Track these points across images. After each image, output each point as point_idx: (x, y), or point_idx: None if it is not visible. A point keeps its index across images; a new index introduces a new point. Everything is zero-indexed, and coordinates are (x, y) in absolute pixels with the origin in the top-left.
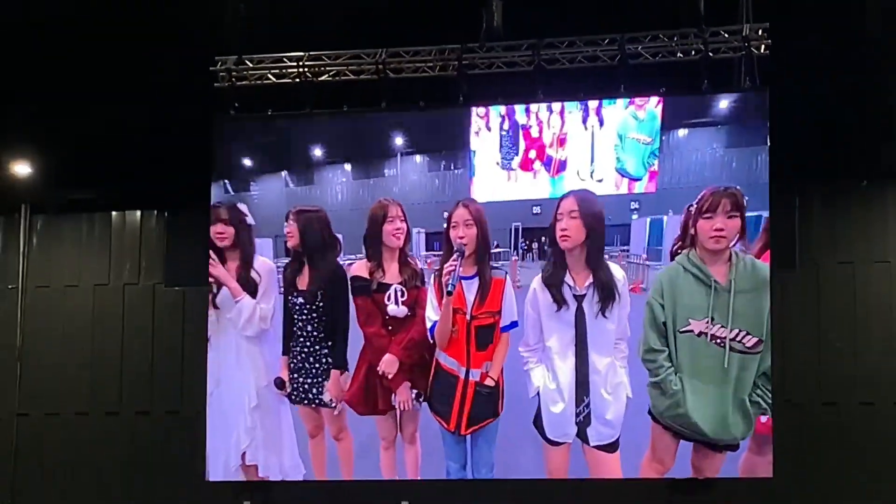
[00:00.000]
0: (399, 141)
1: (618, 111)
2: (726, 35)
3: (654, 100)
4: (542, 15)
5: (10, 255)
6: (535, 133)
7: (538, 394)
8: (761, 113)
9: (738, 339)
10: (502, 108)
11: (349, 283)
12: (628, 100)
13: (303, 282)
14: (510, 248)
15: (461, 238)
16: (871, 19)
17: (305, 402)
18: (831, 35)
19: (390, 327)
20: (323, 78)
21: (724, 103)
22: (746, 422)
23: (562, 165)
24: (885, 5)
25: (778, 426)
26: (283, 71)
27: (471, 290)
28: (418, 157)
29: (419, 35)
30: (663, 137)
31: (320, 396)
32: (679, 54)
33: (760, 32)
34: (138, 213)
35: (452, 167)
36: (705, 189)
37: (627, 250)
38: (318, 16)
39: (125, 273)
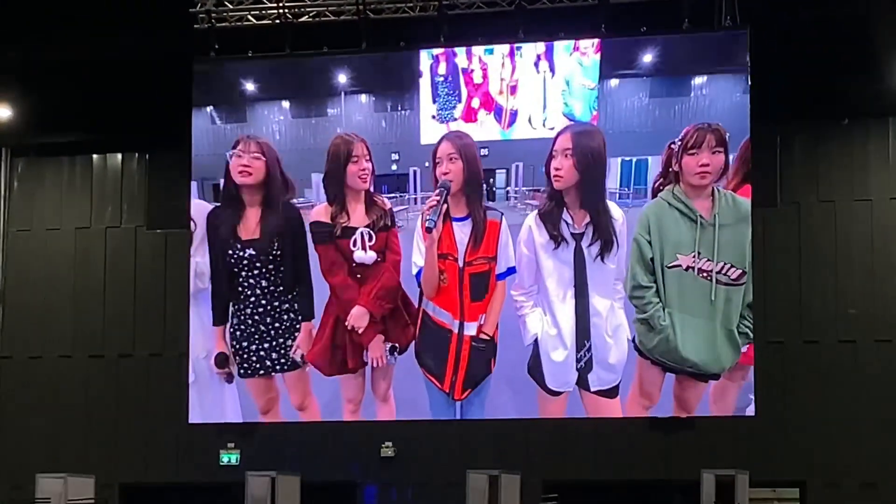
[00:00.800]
0: (343, 79)
1: (565, 57)
2: None
3: (595, 46)
4: None
5: None
6: (478, 79)
7: (535, 341)
8: (684, 65)
9: (723, 271)
10: (435, 51)
11: (307, 229)
12: (572, 46)
13: (247, 230)
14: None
15: (445, 174)
16: None
17: (261, 371)
18: None
19: (358, 275)
20: (303, 19)
21: (647, 57)
22: (735, 351)
23: (513, 116)
24: None
25: (759, 364)
26: (263, 12)
27: (463, 233)
28: (364, 97)
29: None
30: (600, 85)
31: (284, 359)
32: None
33: None
34: (119, 155)
35: (400, 108)
36: (688, 126)
37: None
38: None
39: (107, 216)
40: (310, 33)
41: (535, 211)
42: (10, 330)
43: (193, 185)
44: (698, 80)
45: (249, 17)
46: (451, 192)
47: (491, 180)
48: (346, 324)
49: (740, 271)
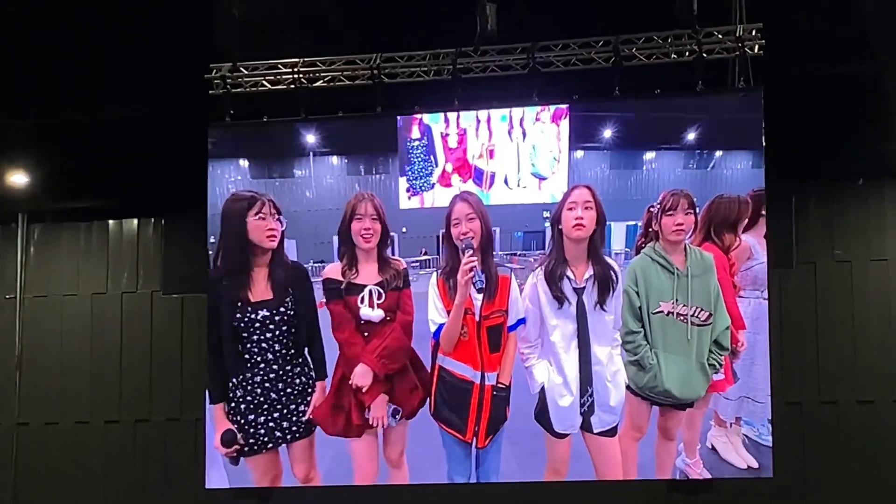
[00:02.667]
0: (312, 139)
1: (530, 124)
2: (720, 35)
3: (551, 115)
4: (535, 18)
5: (7, 264)
6: (453, 143)
7: (542, 389)
8: (639, 139)
9: (695, 314)
10: (409, 116)
11: (322, 286)
12: (534, 116)
13: (257, 292)
14: (437, 254)
15: (465, 234)
16: (866, 18)
17: (270, 445)
18: (825, 33)
19: (365, 333)
20: (318, 84)
21: (607, 132)
22: (705, 381)
23: (493, 178)
24: (880, 4)
25: (778, 425)
26: (278, 77)
27: (478, 288)
28: (335, 159)
29: (414, 40)
30: (569, 155)
31: (295, 426)
32: (673, 55)
33: (754, 32)
34: (135, 220)
35: (375, 172)
36: (664, 192)
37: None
38: (313, 21)
39: (123, 281)
40: (324, 98)
41: (541, 268)
42: (26, 396)
43: None
44: (649, 156)
45: (265, 82)
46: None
47: (492, 239)
48: (350, 382)
49: (708, 313)
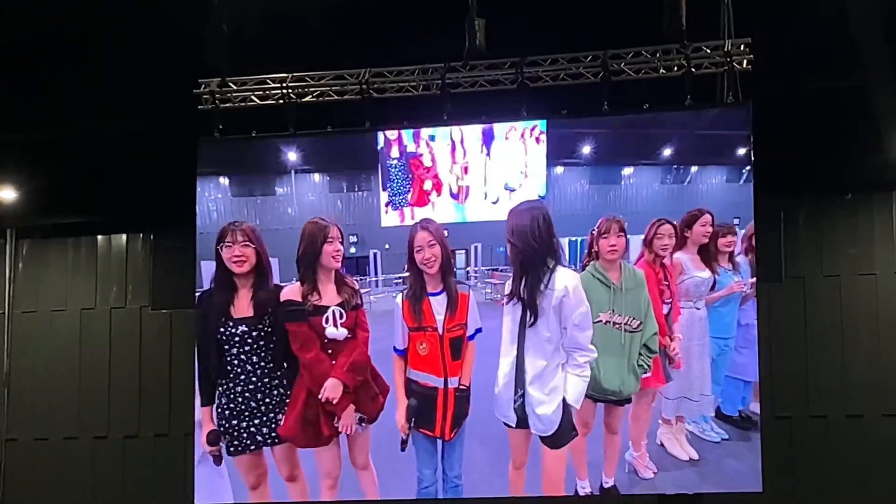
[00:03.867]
0: (293, 157)
1: (501, 141)
2: (708, 50)
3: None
4: (524, 33)
5: None
6: (427, 162)
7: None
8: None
9: (627, 322)
10: (390, 134)
11: (281, 308)
12: (504, 134)
13: (240, 309)
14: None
15: (428, 259)
16: (854, 32)
17: (252, 447)
18: (814, 48)
19: (329, 351)
20: (306, 99)
21: (586, 149)
22: (636, 380)
23: (467, 190)
24: (867, 21)
25: (767, 439)
26: (267, 92)
27: (440, 305)
28: (316, 177)
29: (402, 55)
30: (547, 170)
31: (274, 433)
32: (662, 70)
33: (742, 48)
34: (124, 236)
35: (357, 189)
36: (601, 218)
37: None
38: (301, 36)
39: (111, 297)
40: (313, 113)
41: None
42: (15, 412)
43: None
44: (627, 171)
45: (253, 97)
46: (433, 272)
47: (451, 260)
48: (321, 396)
49: (639, 321)
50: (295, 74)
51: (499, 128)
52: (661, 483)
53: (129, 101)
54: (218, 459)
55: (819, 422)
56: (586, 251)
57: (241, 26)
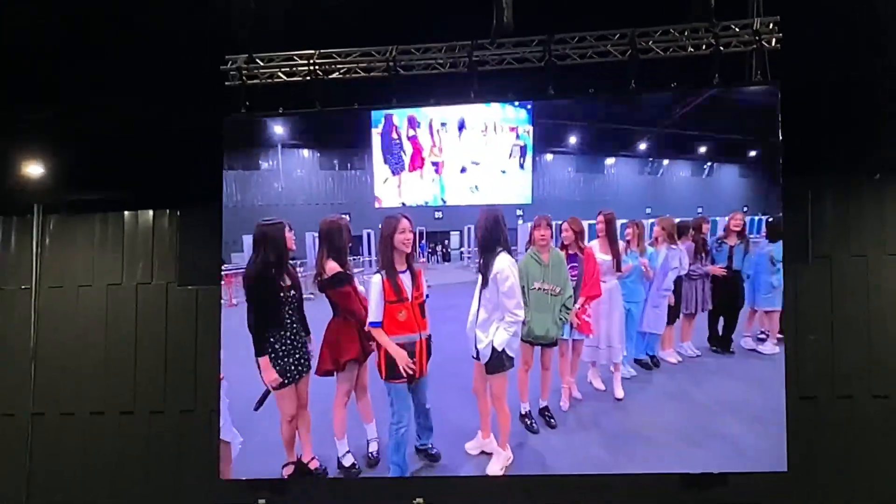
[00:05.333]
0: (279, 131)
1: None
2: (737, 29)
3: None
4: (552, 11)
5: (23, 255)
6: (421, 140)
7: None
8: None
9: (552, 290)
10: (386, 112)
11: (333, 278)
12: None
13: (287, 280)
14: (413, 251)
15: (408, 240)
16: (882, 12)
17: (304, 373)
18: (842, 28)
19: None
20: (333, 76)
21: (573, 139)
22: (558, 329)
23: (441, 165)
24: None
25: (792, 419)
26: (294, 69)
27: (408, 280)
28: (306, 152)
29: (430, 32)
30: (536, 158)
31: (303, 365)
32: (690, 49)
33: (771, 26)
34: (150, 212)
35: (350, 167)
36: (538, 217)
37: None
38: (329, 14)
39: (138, 272)
40: (340, 89)
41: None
42: (42, 387)
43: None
44: (609, 161)
45: (280, 73)
46: (409, 251)
47: (446, 241)
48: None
49: (560, 288)
50: (322, 51)
51: (472, 120)
52: (586, 408)
53: (157, 79)
54: (263, 399)
55: (845, 402)
56: (528, 239)
57: (269, 3)
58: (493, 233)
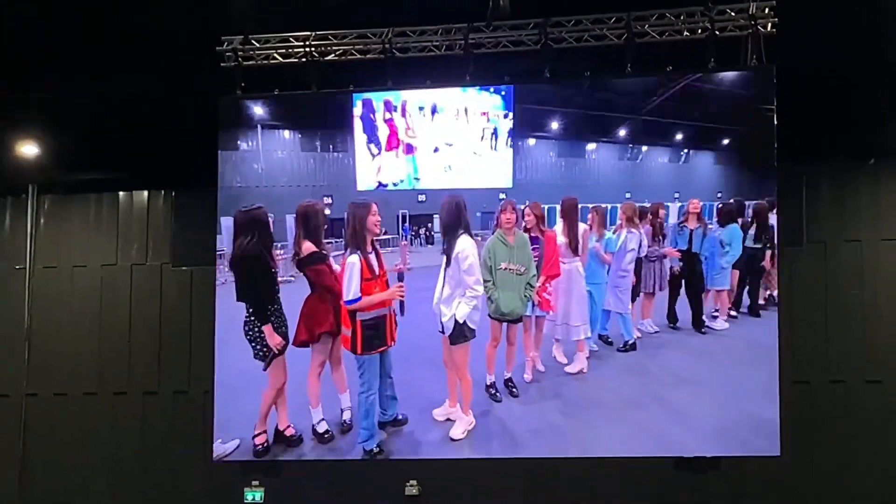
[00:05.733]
0: (259, 111)
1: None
2: (733, 13)
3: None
4: None
5: (17, 235)
6: (396, 123)
7: None
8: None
9: (517, 269)
10: (366, 95)
11: (310, 256)
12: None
13: (272, 261)
14: (398, 233)
15: (378, 224)
16: None
17: (285, 347)
18: (839, 14)
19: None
20: (329, 58)
21: (554, 124)
22: (523, 306)
23: (415, 147)
24: None
25: (785, 403)
26: (290, 51)
27: (375, 259)
28: (287, 133)
29: (426, 14)
30: (519, 143)
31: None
32: (686, 33)
33: (767, 11)
34: (145, 193)
35: (332, 150)
36: (504, 201)
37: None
38: None
39: (133, 253)
40: (336, 71)
41: None
42: (36, 367)
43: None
44: (591, 146)
45: (276, 55)
46: (379, 234)
47: (429, 224)
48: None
49: (524, 268)
50: (318, 33)
51: (445, 104)
52: (548, 380)
53: (153, 60)
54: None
55: (838, 387)
56: (495, 222)
57: None
58: (455, 218)
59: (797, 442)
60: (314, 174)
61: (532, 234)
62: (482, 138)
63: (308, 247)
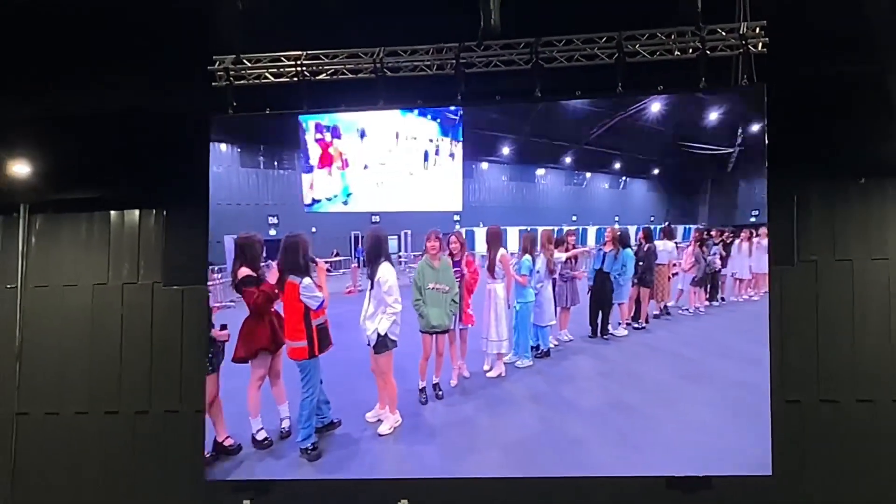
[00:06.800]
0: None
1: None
2: (723, 33)
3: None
4: (539, 13)
5: (9, 254)
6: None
7: None
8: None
9: (442, 289)
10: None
11: (244, 279)
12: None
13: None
14: (350, 255)
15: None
16: (870, 16)
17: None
18: (829, 33)
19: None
20: (320, 77)
21: (505, 149)
22: (448, 320)
23: (348, 162)
24: (882, 4)
25: (776, 423)
26: (281, 70)
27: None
28: (223, 146)
29: (417, 34)
30: (472, 166)
31: None
32: (676, 52)
33: (757, 30)
34: (137, 211)
35: (276, 167)
36: (430, 230)
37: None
38: (316, 14)
39: (124, 272)
40: (327, 91)
41: None
42: (26, 386)
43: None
44: (540, 172)
45: (268, 74)
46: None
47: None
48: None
49: (448, 287)
50: (309, 52)
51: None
52: (471, 384)
53: (143, 78)
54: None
55: (829, 406)
56: (424, 248)
57: (256, 4)
58: (377, 248)
59: (789, 461)
60: (258, 192)
61: (456, 259)
62: (415, 159)
63: (244, 271)
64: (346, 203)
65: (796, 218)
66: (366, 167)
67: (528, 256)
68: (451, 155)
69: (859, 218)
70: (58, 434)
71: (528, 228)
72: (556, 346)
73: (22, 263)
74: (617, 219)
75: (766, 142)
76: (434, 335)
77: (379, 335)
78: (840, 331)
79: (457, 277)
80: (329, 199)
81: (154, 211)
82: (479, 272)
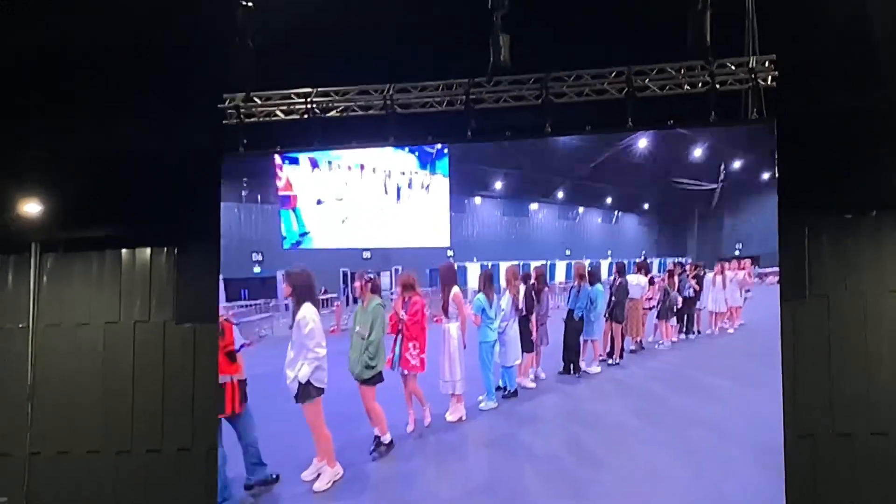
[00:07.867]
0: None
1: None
2: (733, 67)
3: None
4: (549, 49)
5: (20, 293)
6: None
7: None
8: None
9: (361, 332)
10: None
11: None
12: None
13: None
14: (340, 292)
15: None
16: (880, 49)
17: None
18: (839, 65)
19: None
20: (331, 114)
21: (498, 184)
22: (364, 369)
23: (295, 199)
24: (892, 38)
25: (790, 457)
26: (292, 107)
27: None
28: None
29: (427, 70)
30: (465, 201)
31: None
32: (686, 87)
33: (767, 64)
34: (148, 250)
35: (259, 201)
36: (359, 270)
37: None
38: (326, 51)
39: (135, 310)
40: (338, 128)
41: None
42: (38, 425)
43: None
44: (533, 206)
45: (278, 111)
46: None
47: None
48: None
49: (367, 331)
50: (319, 89)
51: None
52: (427, 431)
53: (154, 116)
54: None
55: (843, 440)
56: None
57: (266, 42)
58: (306, 288)
59: (803, 495)
60: (241, 228)
61: (405, 299)
62: (386, 192)
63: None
64: (298, 244)
65: (808, 251)
66: (319, 202)
67: (481, 295)
68: (426, 187)
69: (871, 251)
70: (70, 473)
71: (520, 263)
72: (533, 387)
73: (33, 302)
74: (609, 252)
75: (777, 175)
76: (359, 385)
77: (300, 383)
78: (853, 364)
79: (411, 320)
80: (283, 238)
81: (165, 249)
82: (423, 314)
